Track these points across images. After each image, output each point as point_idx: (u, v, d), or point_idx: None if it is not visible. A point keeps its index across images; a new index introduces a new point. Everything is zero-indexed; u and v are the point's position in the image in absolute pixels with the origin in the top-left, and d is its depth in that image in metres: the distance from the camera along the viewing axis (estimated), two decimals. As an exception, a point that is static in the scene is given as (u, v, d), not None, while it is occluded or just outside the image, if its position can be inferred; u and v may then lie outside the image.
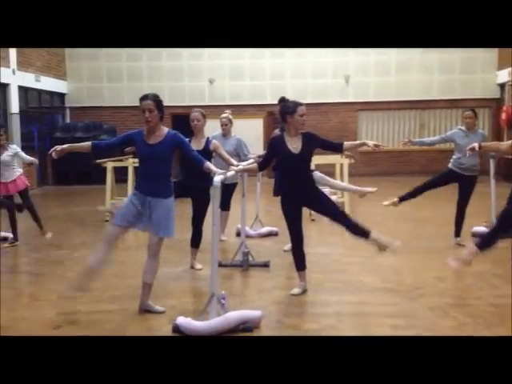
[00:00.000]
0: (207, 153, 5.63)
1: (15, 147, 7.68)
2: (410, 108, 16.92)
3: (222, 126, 7.02)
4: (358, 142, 5.43)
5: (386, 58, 16.26)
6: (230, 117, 7.05)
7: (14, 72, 14.01)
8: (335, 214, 5.08)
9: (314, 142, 5.04)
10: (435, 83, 16.61)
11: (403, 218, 9.24)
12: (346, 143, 5.20)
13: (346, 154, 8.92)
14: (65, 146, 4.57)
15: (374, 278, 5.64)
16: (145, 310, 4.65)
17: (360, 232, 5.05)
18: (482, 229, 7.49)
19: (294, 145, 4.96)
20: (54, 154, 4.49)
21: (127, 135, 4.70)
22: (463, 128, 6.90)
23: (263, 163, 5.27)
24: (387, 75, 16.68)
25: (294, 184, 5.01)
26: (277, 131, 6.70)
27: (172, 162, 4.63)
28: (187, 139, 5.15)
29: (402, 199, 7.12)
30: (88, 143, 4.66)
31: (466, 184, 6.86)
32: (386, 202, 7.10)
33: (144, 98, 4.48)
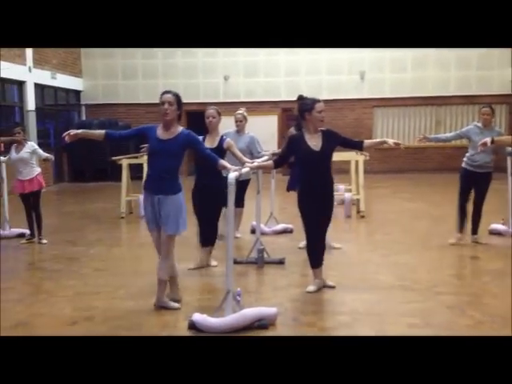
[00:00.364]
0: (221, 151, 5.63)
1: (33, 144, 7.73)
2: (425, 104, 16.78)
3: (236, 122, 7.01)
4: (378, 140, 5.40)
5: (401, 54, 16.11)
6: (245, 114, 7.05)
7: (30, 69, 14.12)
8: (326, 226, 5.18)
9: (335, 140, 5.02)
10: (452, 79, 16.46)
11: (419, 216, 9.17)
12: (367, 141, 5.18)
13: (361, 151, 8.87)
14: (79, 131, 4.64)
15: (390, 276, 5.60)
16: (161, 307, 4.67)
17: (320, 257, 5.14)
18: (499, 226, 7.43)
19: (314, 142, 4.93)
20: (67, 137, 4.52)
21: (141, 129, 4.74)
22: (479, 124, 6.82)
23: (279, 160, 5.25)
24: (403, 71, 16.55)
25: (313, 182, 4.98)
26: (292, 129, 6.68)
27: (182, 161, 4.64)
28: (201, 137, 5.15)
29: (461, 228, 7.01)
30: (102, 131, 4.69)
31: (480, 182, 6.81)
32: (451, 241, 6.97)
33: (166, 92, 4.55)
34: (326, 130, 5.03)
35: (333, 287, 5.14)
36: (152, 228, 4.63)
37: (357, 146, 5.22)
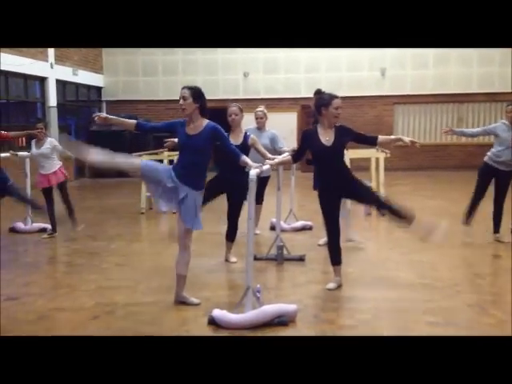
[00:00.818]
0: (245, 147, 5.64)
1: (53, 140, 7.81)
2: (447, 101, 16.62)
3: (256, 119, 7.00)
4: (393, 136, 5.32)
5: (423, 51, 15.93)
6: (266, 111, 7.04)
7: (52, 66, 14.28)
8: (374, 200, 5.07)
9: (348, 135, 4.98)
10: (474, 76, 16.26)
11: (440, 213, 9.06)
12: (381, 137, 5.12)
13: (381, 148, 8.83)
14: (109, 116, 4.68)
15: (411, 274, 5.55)
16: (180, 302, 4.69)
17: (403, 216, 4.98)
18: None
19: (327, 137, 4.91)
20: (96, 118, 4.58)
21: (172, 122, 4.73)
22: (506, 122, 6.77)
23: (296, 155, 5.24)
24: (425, 68, 16.40)
25: (328, 176, 4.97)
26: (311, 126, 6.66)
27: (210, 155, 4.62)
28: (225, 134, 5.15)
29: (468, 220, 7.03)
30: (133, 121, 4.73)
31: (502, 179, 6.78)
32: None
33: (182, 87, 4.56)
34: (340, 125, 5.01)
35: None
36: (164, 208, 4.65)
37: (370, 141, 5.14)
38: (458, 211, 9.21)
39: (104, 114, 4.62)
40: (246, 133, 5.92)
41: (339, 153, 5.00)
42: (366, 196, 5.09)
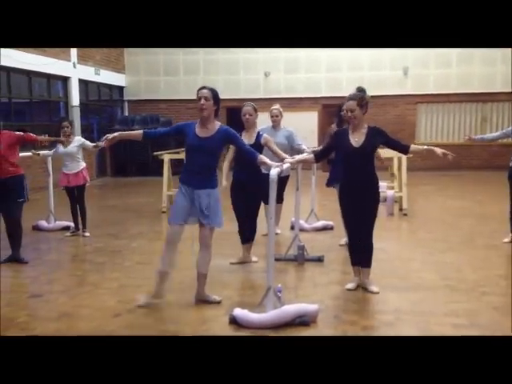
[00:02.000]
0: (258, 147, 5.60)
1: (79, 138, 7.88)
2: (471, 101, 16.39)
3: (272, 117, 6.96)
4: (425, 147, 5.13)
5: (446, 50, 15.70)
6: (281, 109, 7.00)
7: (74, 65, 14.42)
8: (368, 225, 4.95)
9: (379, 138, 4.86)
10: (498, 75, 16.00)
11: (464, 214, 8.96)
12: (413, 146, 5.03)
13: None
14: (115, 134, 4.65)
15: (434, 275, 5.48)
16: (201, 301, 4.69)
17: (368, 258, 4.99)
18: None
19: (357, 138, 4.83)
20: (104, 143, 4.58)
21: (179, 126, 4.74)
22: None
23: (321, 154, 5.18)
24: (448, 67, 16.19)
25: (352, 177, 4.90)
26: (334, 126, 6.60)
27: (219, 156, 4.64)
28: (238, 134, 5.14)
29: None
30: (139, 132, 4.68)
31: None
32: (506, 240, 6.77)
33: (202, 87, 4.55)
34: (373, 127, 4.93)
35: (375, 293, 4.93)
36: (176, 221, 4.57)
37: (402, 149, 5.01)
38: (482, 212, 9.10)
39: (110, 136, 4.56)
40: (258, 132, 5.88)
41: (367, 155, 4.86)
42: (369, 217, 4.93)
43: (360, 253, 5.05)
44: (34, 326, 4.23)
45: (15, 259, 6.13)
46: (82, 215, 7.71)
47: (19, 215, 6.19)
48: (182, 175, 4.65)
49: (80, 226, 7.73)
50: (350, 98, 4.84)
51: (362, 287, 5.03)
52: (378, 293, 4.91)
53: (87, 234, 7.69)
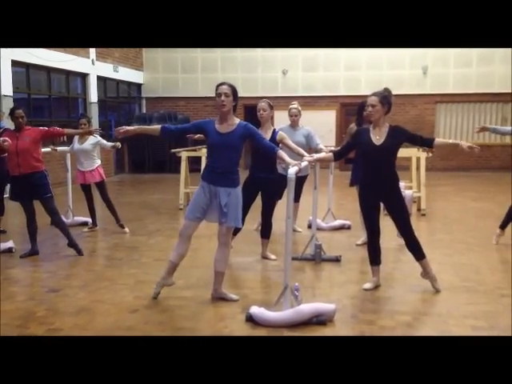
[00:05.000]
0: (274, 143, 5.58)
1: (96, 136, 7.91)
2: (491, 101, 16.18)
3: (291, 116, 6.90)
4: (451, 141, 5.07)
5: (467, 49, 15.53)
6: (300, 108, 6.96)
7: (93, 62, 14.52)
8: (402, 222, 4.93)
9: (401, 136, 4.81)
10: (519, 74, 15.77)
11: (484, 215, 8.86)
12: (438, 139, 4.96)
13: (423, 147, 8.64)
14: (133, 127, 4.66)
15: (453, 276, 5.42)
16: (218, 298, 4.70)
17: (417, 252, 4.95)
18: None
19: (378, 136, 4.80)
20: (116, 133, 4.59)
21: (198, 123, 4.73)
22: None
23: (340, 152, 5.15)
24: (468, 66, 16.01)
25: (372, 176, 4.86)
26: (353, 125, 6.55)
27: (242, 153, 4.62)
28: None
29: (503, 226, 6.80)
30: (158, 126, 4.65)
31: None
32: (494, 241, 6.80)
33: (221, 83, 4.53)
34: (395, 126, 4.89)
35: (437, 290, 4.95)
36: (194, 217, 4.55)
37: (427, 143, 4.99)
38: (502, 214, 8.94)
39: (124, 128, 4.56)
40: (274, 129, 5.85)
41: (389, 153, 4.81)
42: (399, 215, 4.92)
43: (377, 252, 5.02)
44: (53, 321, 4.27)
45: (72, 245, 6.38)
46: (112, 211, 7.72)
47: (54, 206, 6.31)
48: (204, 172, 4.65)
49: (115, 222, 7.72)
50: (374, 94, 4.84)
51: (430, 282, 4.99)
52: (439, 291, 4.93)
53: (126, 230, 7.68)
